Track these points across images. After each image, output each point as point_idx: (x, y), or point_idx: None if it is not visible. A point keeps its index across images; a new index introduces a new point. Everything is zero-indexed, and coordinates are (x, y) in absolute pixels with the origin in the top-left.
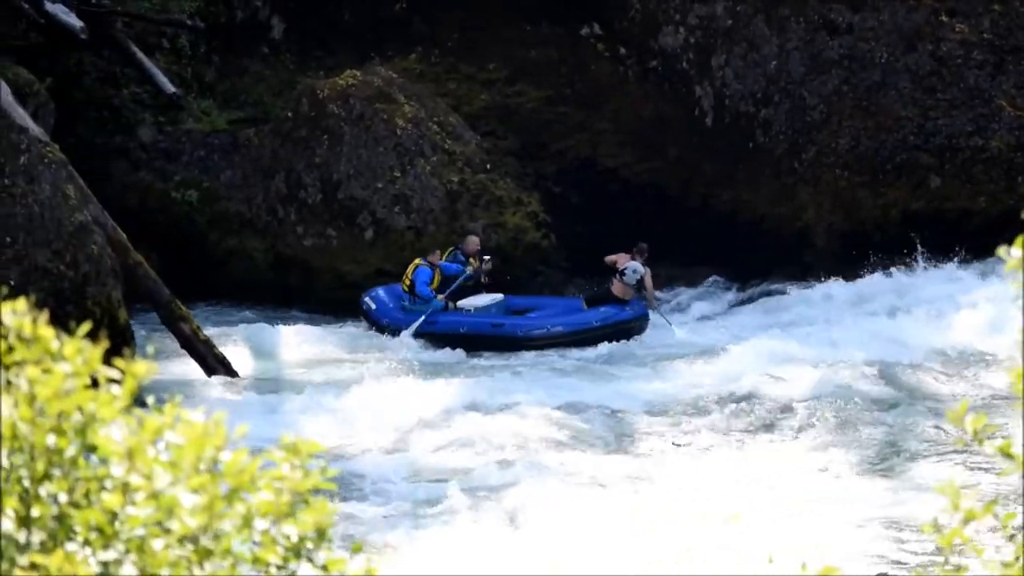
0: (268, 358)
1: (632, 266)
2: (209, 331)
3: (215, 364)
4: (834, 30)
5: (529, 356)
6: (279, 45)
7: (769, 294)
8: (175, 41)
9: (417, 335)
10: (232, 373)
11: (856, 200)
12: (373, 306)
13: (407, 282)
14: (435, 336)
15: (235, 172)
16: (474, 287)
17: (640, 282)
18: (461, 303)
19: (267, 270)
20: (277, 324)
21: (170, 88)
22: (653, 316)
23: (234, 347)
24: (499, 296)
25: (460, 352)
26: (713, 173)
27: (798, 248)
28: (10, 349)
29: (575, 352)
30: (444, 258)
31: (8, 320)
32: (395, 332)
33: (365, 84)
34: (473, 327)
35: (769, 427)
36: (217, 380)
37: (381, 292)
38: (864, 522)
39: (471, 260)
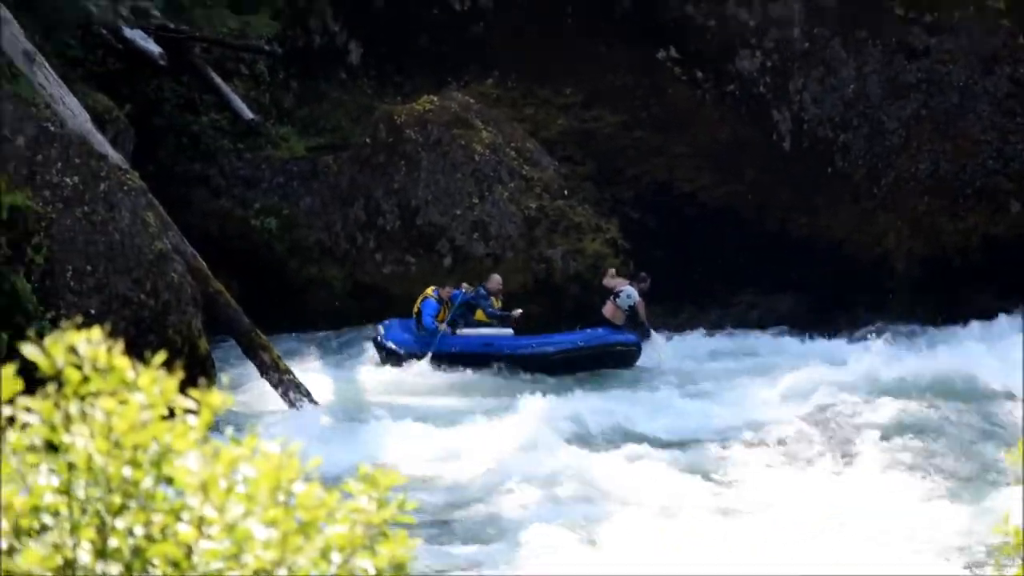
0: (348, 386)
1: (628, 291)
2: (288, 359)
3: (295, 394)
4: (912, 53)
5: (585, 384)
6: (357, 70)
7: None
8: (253, 67)
9: (411, 355)
10: (312, 402)
11: (936, 225)
12: (382, 331)
13: (416, 312)
14: (435, 356)
15: (314, 199)
16: (489, 323)
17: (633, 308)
18: (465, 331)
19: (346, 297)
20: (356, 351)
21: (248, 114)
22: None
23: (314, 375)
24: (507, 331)
25: (483, 373)
26: (791, 198)
27: (878, 274)
28: (85, 379)
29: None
30: (467, 292)
31: (83, 350)
32: (397, 355)
33: (442, 109)
34: (465, 347)
35: (828, 455)
36: (297, 409)
37: (394, 321)
38: (926, 552)
39: (494, 299)
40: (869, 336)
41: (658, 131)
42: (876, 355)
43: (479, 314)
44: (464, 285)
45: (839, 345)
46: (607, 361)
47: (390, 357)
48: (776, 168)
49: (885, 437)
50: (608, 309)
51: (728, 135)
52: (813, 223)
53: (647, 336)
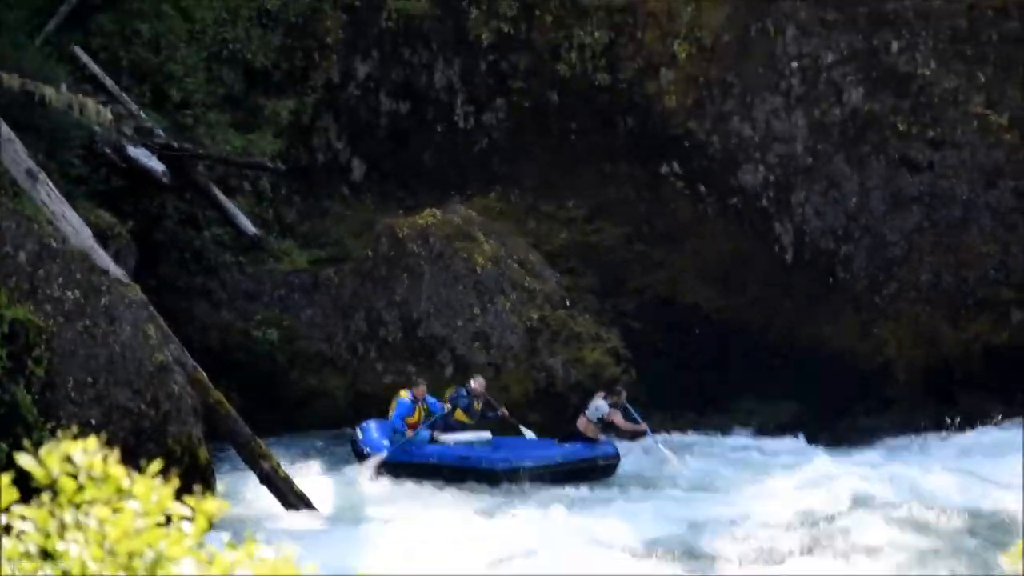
0: (348, 494)
1: (596, 404)
2: (289, 467)
3: (295, 500)
4: (915, 167)
5: (607, 492)
6: (359, 186)
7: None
8: (256, 183)
9: (396, 466)
10: (311, 508)
11: (938, 335)
12: (360, 436)
13: (390, 414)
14: (410, 467)
15: (315, 311)
16: (469, 423)
17: (602, 420)
18: (444, 438)
19: (347, 408)
20: (354, 456)
21: (251, 229)
22: (647, 447)
23: (314, 482)
24: (486, 434)
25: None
26: (794, 309)
27: (880, 383)
28: (81, 488)
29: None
30: (447, 396)
31: (79, 459)
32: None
33: (444, 222)
34: (442, 458)
35: (823, 562)
36: (297, 516)
37: (372, 423)
38: None
39: (475, 402)
40: (869, 444)
41: (660, 244)
42: (875, 462)
43: (459, 413)
44: (421, 385)
45: (840, 451)
46: (587, 475)
47: (363, 458)
48: (778, 280)
49: (881, 544)
50: (581, 423)
51: (731, 248)
52: (815, 333)
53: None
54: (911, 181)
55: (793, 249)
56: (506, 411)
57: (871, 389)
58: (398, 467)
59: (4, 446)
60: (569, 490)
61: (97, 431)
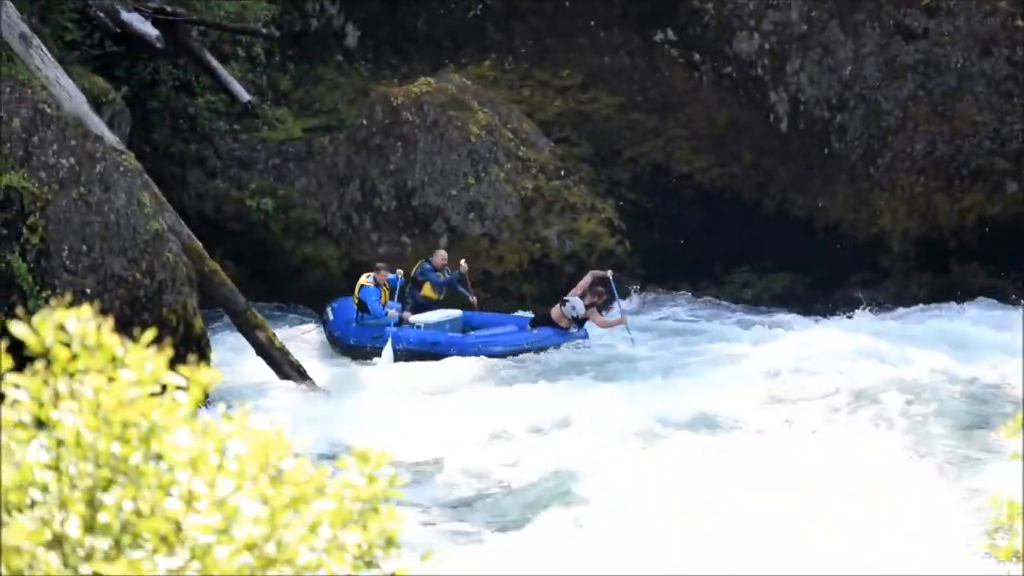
0: (343, 365)
1: (573, 302)
2: (284, 338)
3: (291, 371)
4: (910, 35)
5: (578, 362)
6: (354, 53)
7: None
8: (250, 49)
9: (359, 348)
10: (307, 380)
11: (932, 206)
12: (331, 317)
13: (356, 300)
14: (379, 350)
15: (310, 180)
16: (437, 303)
17: (577, 319)
18: (414, 318)
19: (342, 277)
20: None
21: (245, 96)
22: (612, 335)
23: (309, 354)
24: (455, 313)
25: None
26: (788, 179)
27: (874, 254)
28: (74, 357)
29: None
30: (413, 271)
31: (73, 328)
32: (344, 346)
33: (439, 91)
34: (411, 343)
35: (818, 430)
36: (292, 387)
37: (342, 303)
38: (920, 527)
39: (440, 273)
40: (863, 312)
41: (655, 113)
42: (870, 331)
43: (426, 288)
44: (399, 271)
45: (835, 322)
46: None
47: (337, 345)
48: (773, 149)
49: (878, 413)
50: (555, 312)
51: (725, 117)
52: (810, 204)
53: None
54: (906, 49)
55: (788, 118)
56: (474, 299)
57: (865, 260)
58: (368, 352)
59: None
60: (573, 365)
61: (92, 300)
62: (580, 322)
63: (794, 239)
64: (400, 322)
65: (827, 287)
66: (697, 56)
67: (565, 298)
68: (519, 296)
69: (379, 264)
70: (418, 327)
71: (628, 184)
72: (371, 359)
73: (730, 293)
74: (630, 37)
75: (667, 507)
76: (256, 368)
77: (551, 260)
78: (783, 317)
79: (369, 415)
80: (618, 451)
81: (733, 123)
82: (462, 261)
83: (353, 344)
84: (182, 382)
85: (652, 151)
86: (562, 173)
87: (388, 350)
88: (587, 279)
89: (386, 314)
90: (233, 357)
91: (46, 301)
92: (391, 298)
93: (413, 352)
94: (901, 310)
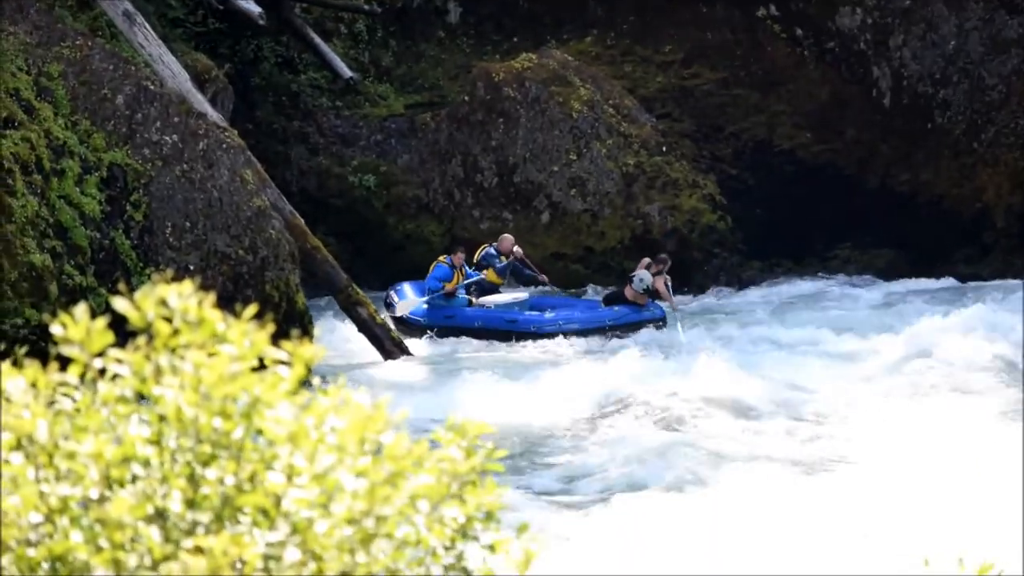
0: (444, 341)
1: (640, 275)
2: (386, 314)
3: (392, 348)
4: (1013, 9)
5: (662, 340)
6: (455, 29)
7: None
8: (352, 26)
9: (437, 328)
10: (408, 355)
11: None
12: (396, 299)
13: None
14: (455, 329)
15: (412, 156)
16: (499, 288)
17: (648, 290)
18: (483, 299)
19: (444, 253)
20: None
21: (347, 73)
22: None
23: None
24: (522, 295)
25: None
26: (891, 154)
27: (978, 229)
28: (176, 332)
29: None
30: (477, 256)
31: (174, 303)
32: (409, 324)
33: (541, 67)
34: (487, 321)
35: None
36: (394, 363)
37: (406, 286)
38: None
39: (502, 258)
40: (967, 291)
41: (757, 89)
42: (974, 310)
43: (490, 274)
44: (460, 252)
45: (937, 298)
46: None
47: (402, 325)
48: (876, 124)
49: (978, 390)
50: (628, 292)
51: (828, 92)
52: (913, 179)
53: (675, 308)
54: (1010, 23)
55: (891, 93)
56: (545, 277)
57: (968, 236)
58: (445, 331)
59: (103, 291)
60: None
61: (195, 276)
62: (652, 294)
63: (897, 215)
64: (470, 304)
65: (930, 262)
66: (800, 31)
67: (631, 274)
68: (620, 272)
69: (458, 248)
70: (488, 307)
71: (730, 160)
72: (462, 337)
73: (832, 268)
74: (732, 12)
75: (763, 488)
76: (358, 346)
77: (652, 236)
78: (884, 293)
79: (473, 388)
80: (707, 429)
81: (835, 98)
82: (515, 247)
83: (424, 324)
84: (284, 357)
85: (754, 127)
86: (664, 149)
87: (405, 305)
88: (645, 261)
89: (441, 289)
90: (335, 335)
91: (149, 278)
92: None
93: (487, 331)
94: (1006, 284)
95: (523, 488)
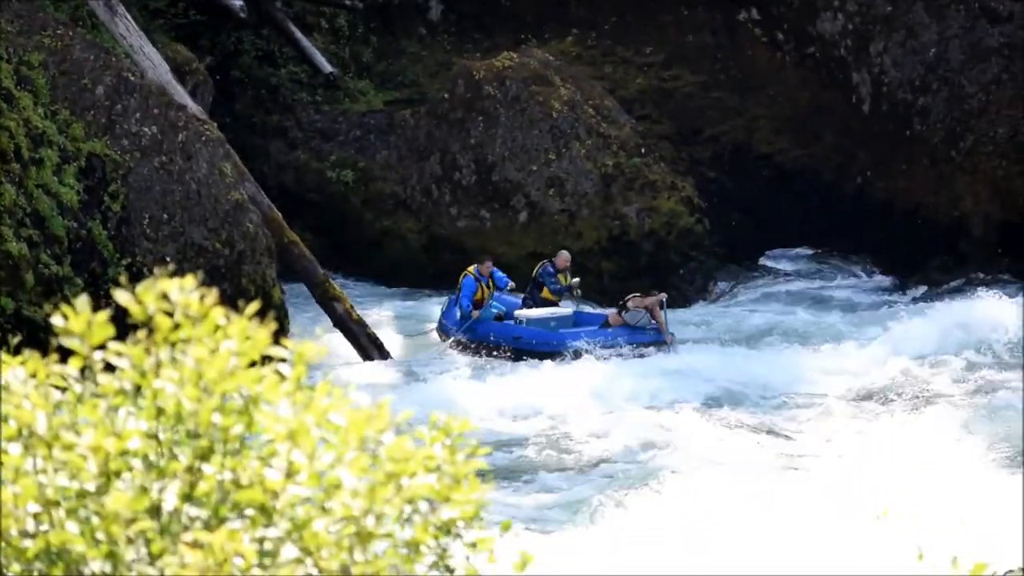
0: (420, 339)
1: (635, 315)
2: (361, 311)
3: (367, 344)
4: (995, 18)
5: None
6: (436, 26)
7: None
8: (333, 21)
9: (460, 339)
10: (384, 354)
11: (1014, 190)
12: (444, 309)
13: (457, 291)
14: (471, 343)
15: (390, 152)
16: (555, 300)
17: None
18: (517, 313)
19: (420, 251)
20: (429, 305)
21: (327, 68)
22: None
23: (386, 327)
24: (566, 311)
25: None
26: (869, 160)
27: (955, 237)
28: (176, 326)
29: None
30: (535, 271)
31: (176, 297)
32: (448, 337)
33: (521, 66)
34: (497, 337)
35: (907, 417)
36: (369, 361)
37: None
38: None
39: (560, 276)
40: (942, 298)
41: (737, 92)
42: (951, 317)
43: (545, 292)
44: (488, 261)
45: (914, 307)
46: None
47: (443, 336)
48: (854, 131)
49: (947, 399)
50: (614, 319)
51: (807, 97)
52: (891, 186)
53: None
54: (990, 32)
55: (870, 100)
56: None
57: (945, 244)
58: (459, 344)
59: (80, 281)
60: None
61: (173, 269)
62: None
63: (874, 221)
64: (498, 318)
65: (906, 270)
66: (780, 36)
67: (627, 303)
68: (597, 273)
69: (485, 256)
70: (520, 323)
71: (708, 163)
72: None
73: (808, 273)
74: (713, 15)
75: (748, 483)
76: (332, 342)
77: (630, 237)
78: (862, 297)
79: (452, 387)
80: (697, 428)
81: (815, 103)
82: (575, 279)
83: (453, 335)
84: (285, 355)
85: (733, 130)
86: (643, 150)
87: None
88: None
89: (470, 311)
90: (309, 331)
91: (126, 268)
92: (493, 290)
93: (493, 346)
94: (982, 291)
95: (503, 489)
